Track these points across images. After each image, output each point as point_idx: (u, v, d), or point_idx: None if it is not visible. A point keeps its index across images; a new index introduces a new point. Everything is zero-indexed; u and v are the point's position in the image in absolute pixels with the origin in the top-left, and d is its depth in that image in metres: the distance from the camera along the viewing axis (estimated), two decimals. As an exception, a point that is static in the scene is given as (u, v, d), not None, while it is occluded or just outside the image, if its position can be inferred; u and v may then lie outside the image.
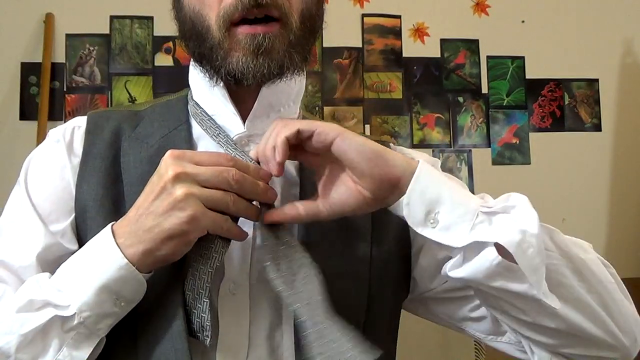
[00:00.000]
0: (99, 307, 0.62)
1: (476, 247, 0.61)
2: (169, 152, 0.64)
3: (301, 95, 0.79)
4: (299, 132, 0.63)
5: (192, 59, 0.77)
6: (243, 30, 0.67)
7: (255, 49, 0.67)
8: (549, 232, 0.66)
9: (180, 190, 0.61)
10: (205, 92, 0.76)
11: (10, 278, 0.69)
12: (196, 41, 0.71)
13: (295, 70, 0.72)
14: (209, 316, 0.63)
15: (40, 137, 2.16)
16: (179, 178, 0.61)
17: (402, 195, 0.62)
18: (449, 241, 0.62)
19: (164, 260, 0.64)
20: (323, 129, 0.62)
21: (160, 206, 0.61)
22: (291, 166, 0.76)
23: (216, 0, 0.68)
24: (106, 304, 0.62)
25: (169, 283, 0.66)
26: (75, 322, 0.62)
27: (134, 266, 0.62)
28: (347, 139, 0.62)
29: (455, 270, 0.63)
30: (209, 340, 0.63)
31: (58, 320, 0.62)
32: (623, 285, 0.72)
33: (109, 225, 0.65)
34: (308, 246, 0.69)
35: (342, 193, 0.64)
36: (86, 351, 0.63)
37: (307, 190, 0.73)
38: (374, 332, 0.73)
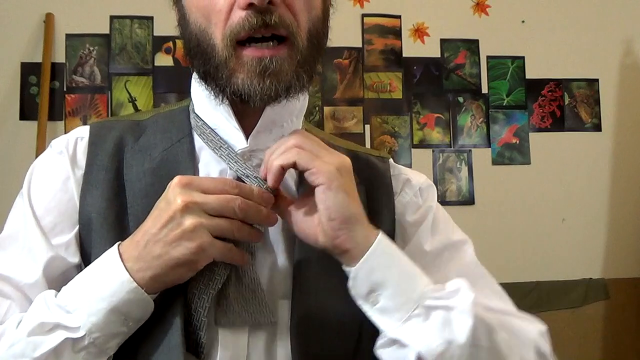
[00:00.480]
0: (108, 328, 0.64)
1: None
2: (177, 179, 0.65)
3: (304, 111, 0.78)
4: (295, 164, 0.65)
5: (196, 75, 0.77)
6: (249, 53, 0.67)
7: (262, 71, 0.66)
8: (490, 331, 0.66)
9: (189, 221, 0.63)
10: (208, 107, 0.75)
11: (15, 294, 0.69)
12: (201, 59, 0.70)
13: (300, 91, 0.71)
14: (205, 334, 0.66)
15: (40, 137, 2.16)
16: (187, 208, 0.63)
17: (349, 265, 0.65)
18: (382, 325, 0.65)
19: (171, 284, 0.66)
20: (316, 171, 0.65)
21: (169, 235, 0.63)
22: (290, 181, 0.77)
23: (222, 18, 0.67)
24: (115, 324, 0.64)
25: (170, 300, 0.67)
26: (86, 342, 0.63)
27: (142, 289, 0.64)
28: (327, 192, 0.64)
29: (383, 349, 0.66)
30: (202, 356, 0.66)
31: (69, 342, 0.63)
32: None
33: (115, 246, 0.66)
34: (305, 267, 0.71)
35: (305, 222, 0.67)
36: None
37: None
38: (368, 345, 0.74)
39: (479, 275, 0.76)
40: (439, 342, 0.62)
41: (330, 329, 0.70)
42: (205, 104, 0.75)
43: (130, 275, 0.64)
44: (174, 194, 0.64)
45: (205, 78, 0.72)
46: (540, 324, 0.74)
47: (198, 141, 0.76)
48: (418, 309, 0.63)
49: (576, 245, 2.53)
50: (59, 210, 0.73)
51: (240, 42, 0.67)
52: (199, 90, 0.76)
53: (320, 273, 0.71)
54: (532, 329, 0.72)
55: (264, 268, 0.71)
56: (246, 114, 0.73)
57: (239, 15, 0.66)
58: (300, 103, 0.76)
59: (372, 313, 0.65)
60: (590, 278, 2.52)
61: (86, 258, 0.71)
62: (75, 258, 0.71)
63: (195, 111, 0.77)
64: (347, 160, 0.67)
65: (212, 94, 0.72)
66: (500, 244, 2.46)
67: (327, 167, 0.64)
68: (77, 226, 0.72)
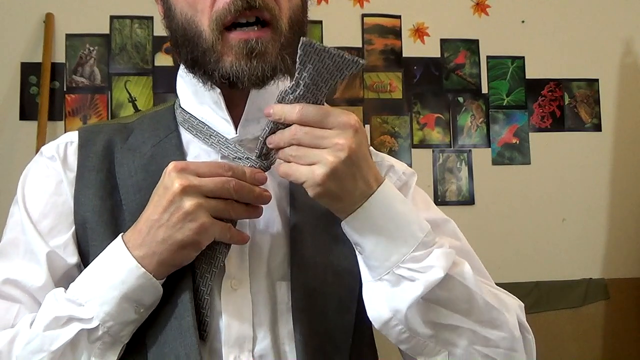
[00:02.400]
0: (121, 316, 0.66)
1: None
2: (172, 165, 0.67)
3: None
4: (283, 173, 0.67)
5: (180, 68, 0.80)
6: (235, 36, 0.69)
7: (249, 52, 0.69)
8: (470, 294, 0.69)
9: (188, 203, 0.65)
10: (194, 101, 0.78)
11: (24, 297, 0.71)
12: (188, 47, 0.72)
13: (285, 73, 0.73)
14: (208, 312, 0.68)
15: (40, 137, 2.16)
16: (186, 191, 0.65)
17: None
18: (362, 274, 0.70)
19: (178, 266, 0.68)
20: (295, 179, 0.65)
21: (171, 219, 0.65)
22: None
23: (208, 5, 0.70)
24: (127, 312, 0.66)
25: (178, 284, 0.69)
26: (100, 332, 0.65)
27: (150, 274, 0.66)
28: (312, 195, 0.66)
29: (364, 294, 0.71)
30: (205, 335, 0.68)
31: (84, 333, 0.65)
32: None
33: (119, 237, 0.68)
34: (301, 248, 0.73)
35: None
36: (111, 358, 0.67)
37: (296, 191, 0.76)
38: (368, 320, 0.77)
39: (462, 251, 0.78)
40: (386, 310, 0.67)
41: (330, 305, 0.73)
42: (191, 98, 0.78)
43: (139, 262, 0.66)
44: (171, 179, 0.66)
45: (193, 66, 0.74)
46: (519, 300, 0.77)
47: (185, 136, 0.79)
48: (388, 275, 0.66)
49: (576, 245, 2.53)
50: (54, 213, 0.75)
51: (227, 28, 0.70)
52: (184, 86, 0.80)
53: (316, 252, 0.74)
54: (513, 302, 0.76)
55: (261, 252, 0.73)
56: (233, 104, 0.75)
57: (224, 0, 0.69)
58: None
59: (359, 260, 0.70)
60: (590, 278, 2.52)
61: (84, 257, 0.73)
62: (73, 258, 0.73)
63: (182, 106, 0.80)
64: (352, 145, 0.64)
65: (201, 81, 0.74)
66: (500, 244, 2.46)
67: (307, 174, 0.64)
68: (73, 227, 0.74)
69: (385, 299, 0.67)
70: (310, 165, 0.63)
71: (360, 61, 0.64)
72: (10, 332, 0.68)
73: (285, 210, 0.76)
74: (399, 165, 0.86)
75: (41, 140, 2.15)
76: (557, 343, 2.40)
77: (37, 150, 2.37)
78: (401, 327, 0.67)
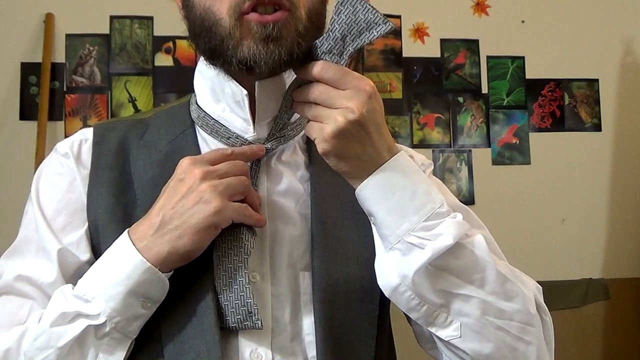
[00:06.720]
0: (128, 311, 0.66)
1: None
2: (186, 159, 0.70)
3: None
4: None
5: (199, 63, 0.79)
6: (253, 18, 0.68)
7: (267, 36, 0.68)
8: (493, 259, 0.69)
9: (204, 185, 0.67)
10: (209, 98, 0.78)
11: (36, 293, 0.71)
12: (206, 37, 0.72)
13: (301, 62, 0.73)
14: (254, 300, 0.68)
15: (41, 137, 2.16)
16: (204, 178, 0.68)
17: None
18: (376, 246, 0.71)
19: (187, 258, 0.68)
20: (313, 137, 0.68)
21: (186, 204, 0.67)
22: (301, 160, 0.80)
23: None
24: (134, 307, 0.66)
25: (194, 281, 0.70)
26: (108, 328, 0.65)
27: (156, 267, 0.66)
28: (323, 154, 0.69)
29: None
30: (260, 323, 0.68)
31: (91, 329, 0.65)
32: (549, 336, 0.74)
33: (126, 232, 0.69)
34: (322, 239, 0.74)
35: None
36: (120, 354, 0.67)
37: (317, 182, 0.77)
38: (386, 311, 0.78)
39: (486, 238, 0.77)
40: (394, 276, 0.67)
41: (352, 295, 0.73)
42: (208, 95, 0.78)
43: (143, 255, 0.66)
44: (189, 169, 0.68)
45: (212, 56, 0.73)
46: (536, 282, 0.77)
47: (201, 132, 0.79)
48: (399, 243, 0.67)
49: (576, 245, 2.53)
50: (68, 210, 0.75)
51: (244, 13, 0.69)
52: (201, 82, 0.79)
53: (337, 242, 0.75)
54: (531, 282, 0.75)
55: (283, 243, 0.74)
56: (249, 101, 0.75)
57: None
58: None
59: (374, 232, 0.71)
60: (590, 278, 2.52)
61: (97, 254, 0.73)
62: (86, 255, 0.74)
63: (198, 103, 0.80)
64: (362, 109, 0.65)
65: (221, 71, 0.74)
66: (500, 244, 2.45)
67: (318, 131, 0.67)
68: (86, 224, 0.75)
69: (395, 267, 0.67)
70: (322, 123, 0.66)
71: (390, 23, 0.67)
72: (20, 328, 0.68)
73: (306, 202, 0.77)
74: (418, 157, 0.87)
75: (41, 140, 2.15)
76: (557, 343, 2.39)
77: (37, 150, 2.36)
78: (410, 294, 0.66)
